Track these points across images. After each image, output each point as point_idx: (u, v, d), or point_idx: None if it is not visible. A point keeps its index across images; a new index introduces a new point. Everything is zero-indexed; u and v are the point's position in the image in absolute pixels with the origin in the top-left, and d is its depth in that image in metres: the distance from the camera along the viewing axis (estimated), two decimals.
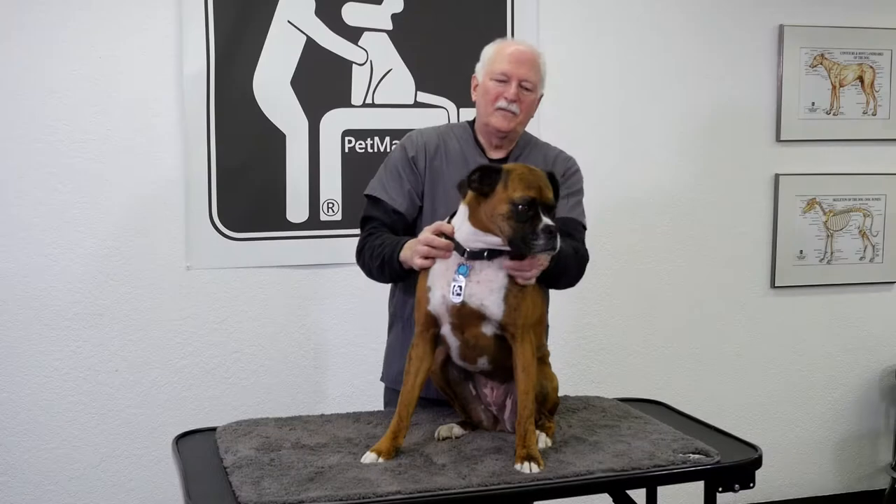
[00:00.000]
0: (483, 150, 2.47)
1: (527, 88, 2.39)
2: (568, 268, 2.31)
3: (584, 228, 2.48)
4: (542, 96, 2.49)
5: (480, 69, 2.47)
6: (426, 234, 2.13)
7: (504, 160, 2.44)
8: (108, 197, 3.27)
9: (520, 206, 1.96)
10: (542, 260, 2.06)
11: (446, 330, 2.08)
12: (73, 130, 3.22)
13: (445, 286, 2.05)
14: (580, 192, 2.49)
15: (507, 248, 2.01)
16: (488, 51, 2.47)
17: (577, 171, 2.51)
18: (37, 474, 3.28)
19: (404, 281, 2.38)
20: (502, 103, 2.37)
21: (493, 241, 2.02)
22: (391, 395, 2.52)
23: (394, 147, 2.54)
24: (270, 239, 3.42)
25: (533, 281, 2.08)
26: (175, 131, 3.30)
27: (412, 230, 2.43)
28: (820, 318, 4.08)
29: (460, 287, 2.02)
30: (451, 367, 2.19)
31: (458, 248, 2.06)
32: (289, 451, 2.08)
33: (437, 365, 2.18)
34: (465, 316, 2.04)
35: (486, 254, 2.04)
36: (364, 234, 2.44)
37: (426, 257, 2.11)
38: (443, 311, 2.06)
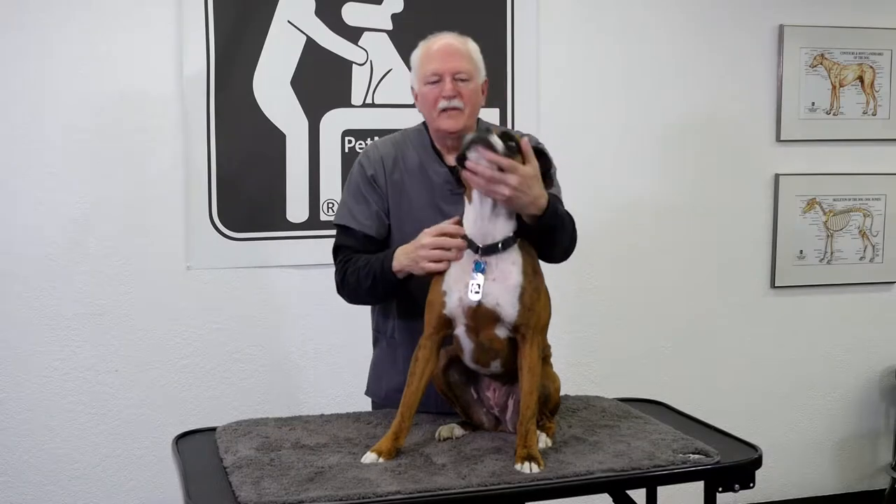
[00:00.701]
0: (441, 157, 2.38)
1: (462, 79, 2.29)
2: (564, 225, 2.19)
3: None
4: (486, 82, 2.39)
5: (413, 78, 2.38)
6: (428, 237, 2.09)
7: None
8: (108, 197, 3.27)
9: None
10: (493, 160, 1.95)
11: (461, 332, 2.05)
12: (72, 130, 3.22)
13: (463, 288, 2.01)
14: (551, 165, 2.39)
15: (518, 234, 2.02)
16: (414, 56, 2.37)
17: (543, 147, 2.43)
18: (37, 474, 3.28)
19: (397, 295, 2.31)
20: (443, 103, 2.28)
21: (496, 214, 2.01)
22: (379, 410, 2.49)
23: (353, 166, 2.44)
24: (270, 239, 3.42)
25: (503, 189, 1.97)
26: (175, 131, 3.30)
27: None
28: (820, 318, 4.08)
29: (479, 285, 1.99)
30: (453, 370, 2.18)
31: (472, 246, 2.04)
32: (289, 451, 2.07)
33: (438, 368, 2.16)
34: (481, 317, 2.01)
35: (500, 245, 2.01)
36: (340, 264, 2.36)
37: (439, 261, 2.06)
38: (459, 314, 2.03)
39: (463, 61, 2.31)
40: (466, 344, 2.07)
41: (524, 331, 2.01)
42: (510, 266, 2.01)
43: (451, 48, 2.31)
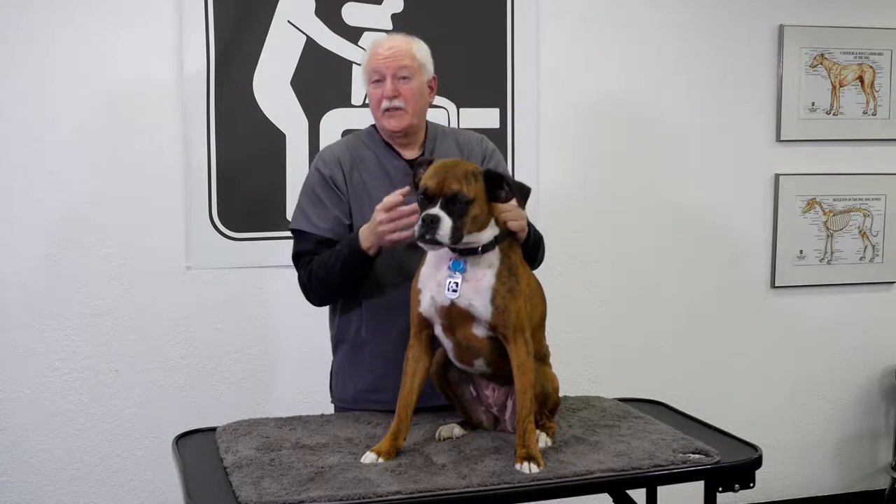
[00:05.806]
0: (396, 151, 2.42)
1: (404, 77, 2.33)
2: (540, 240, 2.36)
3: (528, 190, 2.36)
4: (434, 80, 2.42)
5: (361, 78, 2.45)
6: (381, 213, 2.13)
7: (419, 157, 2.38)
8: (108, 197, 3.27)
9: (419, 196, 1.98)
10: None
11: (438, 331, 2.06)
12: (72, 130, 3.22)
13: (435, 287, 2.02)
14: (502, 166, 2.49)
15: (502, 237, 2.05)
16: (363, 58, 2.43)
17: (495, 149, 2.49)
18: (37, 474, 3.28)
19: (367, 274, 2.31)
20: (385, 104, 2.33)
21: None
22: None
23: (308, 172, 2.47)
24: (270, 239, 3.42)
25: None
26: (175, 131, 3.30)
27: None
28: (820, 318, 4.08)
29: (457, 283, 1.99)
30: (451, 369, 2.18)
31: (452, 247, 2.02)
32: (289, 451, 2.08)
33: (437, 366, 2.17)
34: (455, 316, 2.01)
35: (480, 249, 2.00)
36: (302, 269, 2.39)
37: (398, 230, 2.13)
38: (433, 313, 2.03)
39: (405, 59, 2.34)
40: (446, 342, 2.08)
41: (503, 331, 2.00)
42: (486, 269, 2.01)
43: (393, 48, 2.35)
